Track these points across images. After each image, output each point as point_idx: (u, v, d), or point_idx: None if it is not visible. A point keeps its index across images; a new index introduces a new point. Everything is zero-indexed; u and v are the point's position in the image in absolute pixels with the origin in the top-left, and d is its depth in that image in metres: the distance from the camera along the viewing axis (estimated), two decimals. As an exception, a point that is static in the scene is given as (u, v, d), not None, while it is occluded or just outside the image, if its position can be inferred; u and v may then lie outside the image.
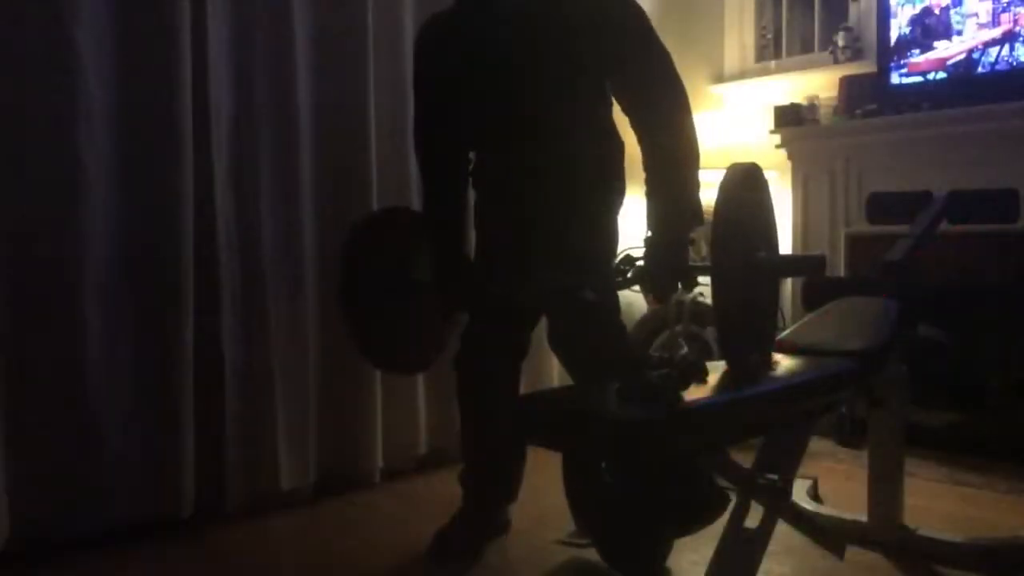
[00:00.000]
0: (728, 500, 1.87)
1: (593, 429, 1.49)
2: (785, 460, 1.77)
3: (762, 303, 1.79)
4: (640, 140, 2.05)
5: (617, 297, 2.25)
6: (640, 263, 1.92)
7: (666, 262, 1.90)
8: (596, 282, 2.16)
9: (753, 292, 1.71)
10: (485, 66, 2.13)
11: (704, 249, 1.92)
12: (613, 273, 2.21)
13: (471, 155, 2.30)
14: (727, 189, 1.64)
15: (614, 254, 2.23)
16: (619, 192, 2.23)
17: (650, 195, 2.00)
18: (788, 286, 3.80)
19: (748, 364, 1.69)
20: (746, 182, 1.71)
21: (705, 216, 1.96)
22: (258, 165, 2.63)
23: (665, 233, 1.93)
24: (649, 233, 1.95)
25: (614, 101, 2.16)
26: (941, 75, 3.30)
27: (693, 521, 1.94)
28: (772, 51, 4.14)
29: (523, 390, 2.54)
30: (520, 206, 2.18)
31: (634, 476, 1.89)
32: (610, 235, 2.22)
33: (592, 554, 2.15)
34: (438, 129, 2.27)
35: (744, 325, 1.67)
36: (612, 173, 2.21)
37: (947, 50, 3.28)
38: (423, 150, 2.33)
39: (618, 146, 2.22)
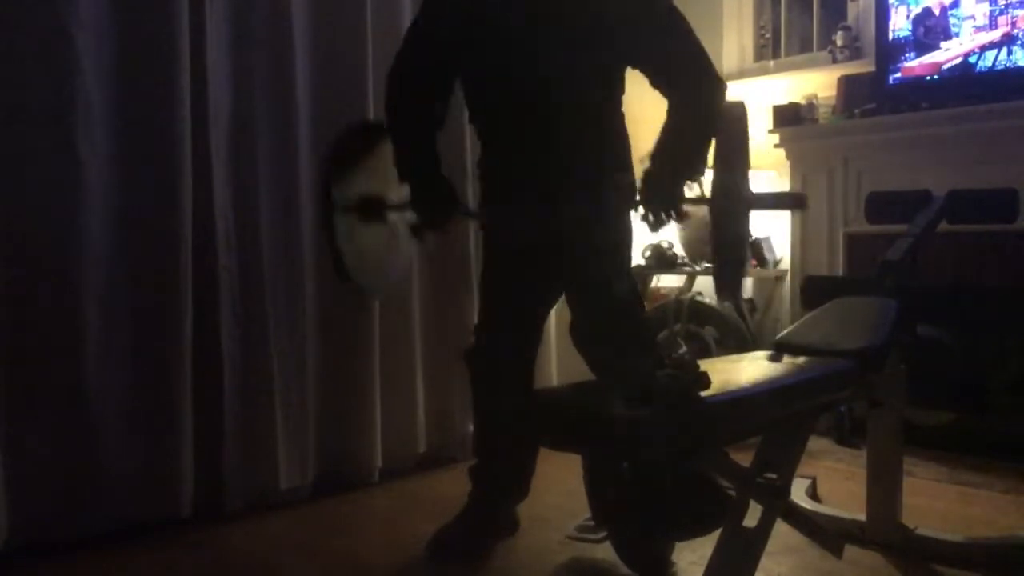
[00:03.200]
0: (729, 503, 1.88)
1: (598, 429, 1.49)
2: (784, 459, 1.77)
3: (744, 234, 1.91)
4: (668, 109, 2.06)
5: (639, 294, 2.25)
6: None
7: (662, 189, 1.93)
8: (617, 276, 2.17)
9: (742, 225, 1.82)
10: (497, 44, 2.10)
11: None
12: (631, 269, 2.21)
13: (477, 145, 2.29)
14: (734, 125, 1.71)
15: (631, 249, 2.23)
16: (631, 186, 2.21)
17: (659, 140, 2.02)
18: (787, 286, 3.81)
19: (736, 290, 1.84)
20: (744, 122, 1.76)
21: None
22: (257, 165, 2.63)
23: (665, 163, 1.96)
24: (648, 163, 1.98)
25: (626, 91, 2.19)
26: (940, 74, 3.29)
27: (697, 525, 1.94)
28: (771, 50, 4.14)
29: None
30: (532, 199, 2.14)
31: (641, 476, 1.89)
32: (627, 229, 2.23)
33: (600, 550, 2.15)
34: (425, 84, 2.21)
35: (737, 252, 1.80)
36: (622, 165, 2.20)
37: (944, 54, 3.28)
38: (400, 95, 2.24)
39: (626, 139, 2.23)
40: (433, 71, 2.21)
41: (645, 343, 2.21)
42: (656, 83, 2.08)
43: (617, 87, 2.17)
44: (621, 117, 2.21)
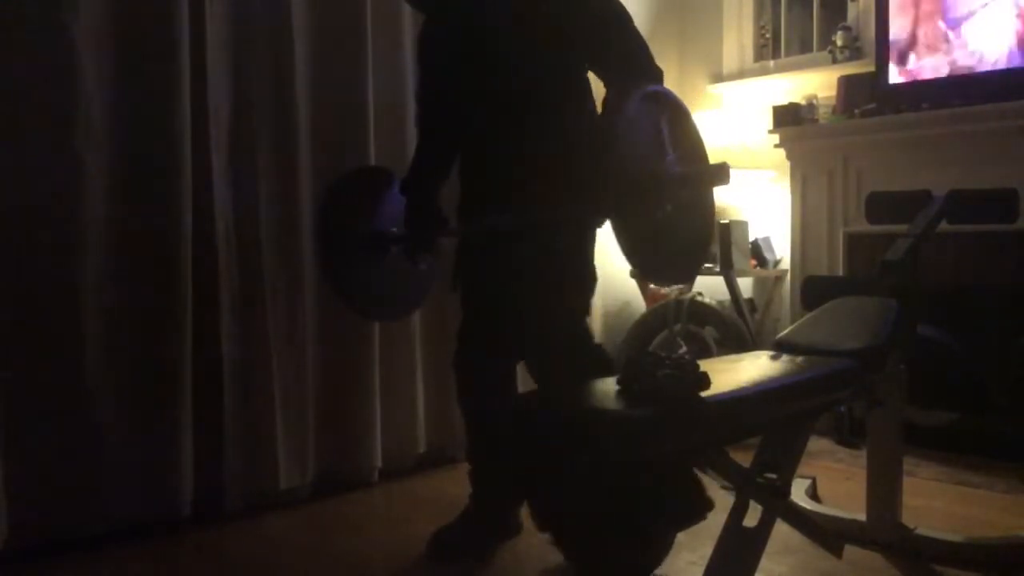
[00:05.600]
0: (712, 505, 1.87)
1: (602, 428, 1.49)
2: (784, 459, 1.77)
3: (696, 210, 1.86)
4: None
5: (580, 303, 2.25)
6: None
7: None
8: (555, 283, 2.19)
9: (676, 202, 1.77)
10: (479, 59, 2.17)
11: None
12: (582, 276, 2.22)
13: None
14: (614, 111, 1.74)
15: (586, 254, 2.24)
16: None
17: None
18: (787, 286, 3.81)
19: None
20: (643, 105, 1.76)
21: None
22: (257, 164, 2.63)
23: None
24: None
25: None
26: (940, 74, 3.29)
27: (677, 522, 1.93)
28: (771, 51, 4.14)
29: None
30: (500, 199, 2.19)
31: (623, 476, 1.86)
32: (583, 235, 2.24)
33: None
34: (442, 111, 2.32)
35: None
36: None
37: (944, 57, 3.28)
38: (426, 118, 2.38)
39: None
40: (445, 109, 2.31)
41: (575, 349, 2.20)
42: (605, 80, 2.15)
43: (581, 85, 2.21)
44: (590, 115, 2.23)
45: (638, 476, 1.76)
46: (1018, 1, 3.10)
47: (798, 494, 2.45)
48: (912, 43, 3.36)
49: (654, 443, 1.48)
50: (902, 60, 3.38)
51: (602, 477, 1.86)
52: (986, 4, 3.17)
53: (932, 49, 3.31)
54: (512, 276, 2.19)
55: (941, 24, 3.29)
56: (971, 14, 3.21)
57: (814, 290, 2.52)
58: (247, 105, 2.62)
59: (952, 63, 3.26)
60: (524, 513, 2.41)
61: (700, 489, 1.88)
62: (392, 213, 2.34)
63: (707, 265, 3.71)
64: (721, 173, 1.80)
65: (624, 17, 2.13)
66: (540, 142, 2.14)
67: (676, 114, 1.84)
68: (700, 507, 1.88)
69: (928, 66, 3.32)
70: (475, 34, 2.17)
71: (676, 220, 1.79)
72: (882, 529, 2.23)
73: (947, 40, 3.27)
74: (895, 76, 3.40)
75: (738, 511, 1.73)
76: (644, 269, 1.87)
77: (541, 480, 2.04)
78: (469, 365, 2.32)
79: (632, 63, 2.10)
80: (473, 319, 2.31)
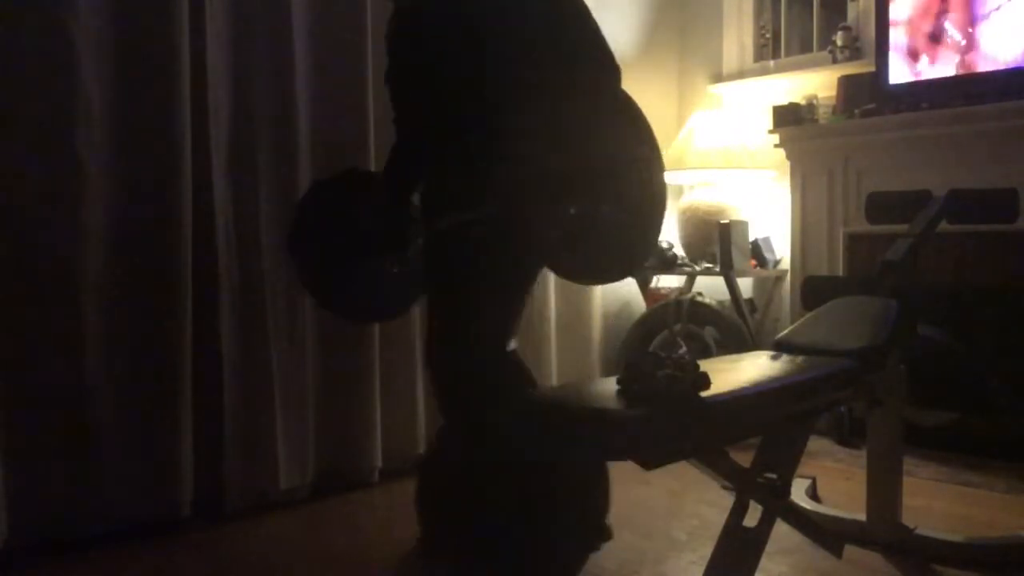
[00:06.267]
0: (610, 535, 1.85)
1: (602, 427, 1.48)
2: (784, 459, 1.77)
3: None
4: None
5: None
6: None
7: None
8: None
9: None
10: (453, 56, 2.11)
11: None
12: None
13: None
14: None
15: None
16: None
17: None
18: (787, 286, 3.81)
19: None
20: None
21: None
22: (257, 165, 2.63)
23: None
24: None
25: None
26: (940, 74, 3.29)
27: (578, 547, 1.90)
28: (771, 51, 4.13)
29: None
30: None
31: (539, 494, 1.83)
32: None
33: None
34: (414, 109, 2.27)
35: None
36: None
37: (945, 58, 3.28)
38: (398, 117, 2.31)
39: None
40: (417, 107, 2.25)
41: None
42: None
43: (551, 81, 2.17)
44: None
45: (546, 494, 1.74)
46: None
47: (798, 494, 2.45)
48: (922, 43, 3.35)
49: (654, 443, 1.48)
50: (912, 60, 3.37)
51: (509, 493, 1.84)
52: (999, 7, 3.16)
53: (942, 49, 3.30)
54: (482, 277, 2.14)
55: (948, 25, 3.28)
56: (986, 16, 3.20)
57: (814, 290, 2.52)
58: (247, 105, 2.62)
59: (959, 64, 3.25)
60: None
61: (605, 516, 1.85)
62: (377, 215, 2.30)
63: (707, 265, 3.72)
64: (637, 164, 1.73)
65: (585, 14, 2.07)
66: (515, 140, 2.11)
67: (625, 109, 1.78)
68: (598, 535, 1.86)
69: (934, 66, 3.31)
70: (446, 31, 2.11)
71: (598, 216, 1.73)
72: (882, 529, 2.23)
73: (958, 40, 3.27)
74: (900, 76, 3.39)
75: (738, 511, 1.73)
76: (559, 270, 1.80)
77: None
78: (445, 365, 2.29)
79: (590, 59, 2.04)
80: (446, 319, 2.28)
